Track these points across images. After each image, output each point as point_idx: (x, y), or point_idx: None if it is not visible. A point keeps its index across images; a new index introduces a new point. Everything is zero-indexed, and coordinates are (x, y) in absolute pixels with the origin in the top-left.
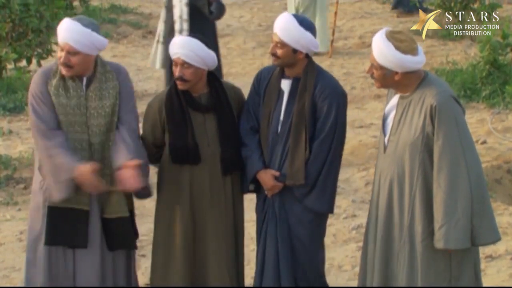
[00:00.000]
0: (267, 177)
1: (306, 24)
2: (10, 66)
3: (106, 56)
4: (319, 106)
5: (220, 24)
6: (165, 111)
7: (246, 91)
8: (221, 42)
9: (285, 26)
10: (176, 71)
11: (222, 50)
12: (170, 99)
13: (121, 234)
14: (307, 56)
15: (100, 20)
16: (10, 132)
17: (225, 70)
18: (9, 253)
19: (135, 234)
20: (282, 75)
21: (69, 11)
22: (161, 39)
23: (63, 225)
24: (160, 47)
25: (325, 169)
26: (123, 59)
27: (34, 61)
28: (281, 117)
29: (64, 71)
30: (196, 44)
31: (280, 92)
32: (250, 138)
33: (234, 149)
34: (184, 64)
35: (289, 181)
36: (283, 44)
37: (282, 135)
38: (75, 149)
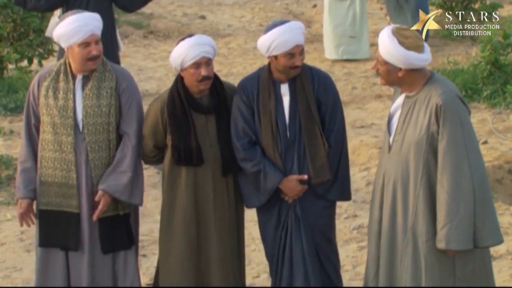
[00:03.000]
0: (292, 184)
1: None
2: (11, 66)
3: None
4: (323, 100)
5: (220, 24)
6: (167, 113)
7: None
8: (222, 42)
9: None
10: (203, 71)
11: (223, 50)
12: (172, 101)
13: (112, 235)
14: None
15: None
16: (11, 132)
17: (226, 70)
18: (10, 253)
19: (130, 235)
20: (273, 81)
21: None
22: (58, 13)
23: (55, 228)
24: (54, 19)
25: (342, 158)
26: (124, 59)
27: (35, 61)
28: (287, 121)
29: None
30: (208, 38)
31: (277, 98)
32: (252, 152)
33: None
34: (208, 61)
35: (316, 179)
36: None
37: (293, 139)
38: (60, 151)
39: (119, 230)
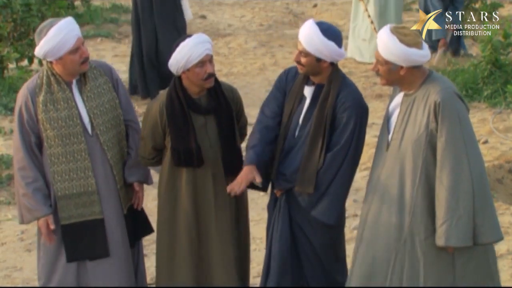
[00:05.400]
0: (247, 174)
1: (330, 33)
2: (11, 65)
3: (107, 55)
4: (338, 117)
5: (221, 24)
6: (166, 114)
7: (247, 91)
8: (222, 41)
9: (308, 35)
10: (208, 69)
11: (223, 50)
12: (171, 102)
13: (135, 224)
14: (332, 64)
15: (102, 20)
16: (12, 131)
17: (226, 69)
18: (11, 252)
19: (147, 221)
20: (307, 81)
21: (70, 10)
22: None
23: (81, 239)
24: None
25: (336, 181)
26: (124, 59)
27: (35, 60)
28: (300, 122)
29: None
30: (206, 36)
31: (302, 97)
32: (260, 133)
33: (235, 150)
34: (211, 59)
35: (298, 187)
36: (306, 53)
37: (298, 140)
38: (74, 161)
39: (139, 218)
